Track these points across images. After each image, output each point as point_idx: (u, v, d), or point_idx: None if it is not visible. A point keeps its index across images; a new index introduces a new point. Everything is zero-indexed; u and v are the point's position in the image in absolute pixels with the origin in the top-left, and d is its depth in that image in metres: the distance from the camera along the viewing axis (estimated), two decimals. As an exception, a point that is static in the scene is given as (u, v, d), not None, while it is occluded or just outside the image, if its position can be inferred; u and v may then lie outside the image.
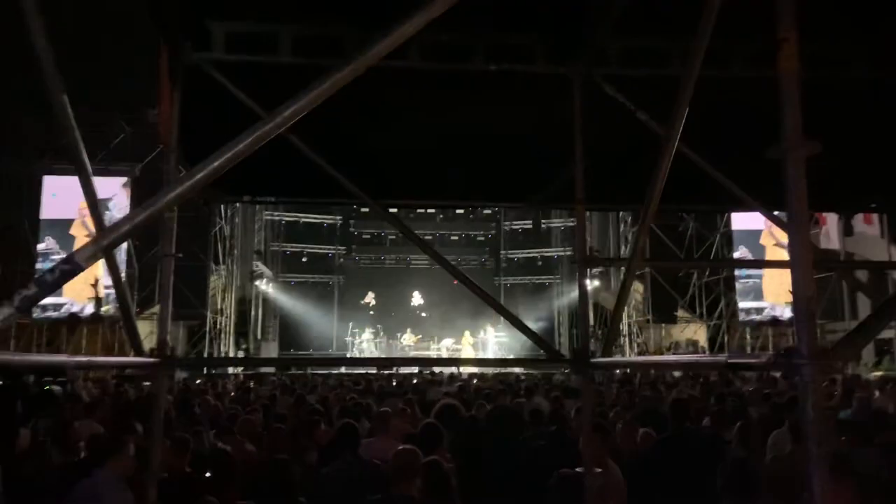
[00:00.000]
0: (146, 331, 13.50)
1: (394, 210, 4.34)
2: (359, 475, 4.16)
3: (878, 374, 15.44)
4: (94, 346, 20.29)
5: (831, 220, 19.25)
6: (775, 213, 3.72)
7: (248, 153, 1.41)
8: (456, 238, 29.68)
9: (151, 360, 2.52)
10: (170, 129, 2.88)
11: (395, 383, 13.45)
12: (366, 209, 26.81)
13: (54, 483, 4.07)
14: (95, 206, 2.13)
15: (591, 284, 21.85)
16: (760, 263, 21.00)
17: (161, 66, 2.87)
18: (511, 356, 24.91)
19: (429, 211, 27.89)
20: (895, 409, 7.32)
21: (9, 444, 3.26)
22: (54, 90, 1.91)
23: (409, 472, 3.37)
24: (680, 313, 23.19)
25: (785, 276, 21.09)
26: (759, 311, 21.83)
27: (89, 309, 19.73)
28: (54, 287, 1.32)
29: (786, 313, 20.74)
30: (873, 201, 5.15)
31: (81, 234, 20.07)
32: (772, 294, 21.48)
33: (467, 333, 25.86)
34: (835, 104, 3.28)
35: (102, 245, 1.34)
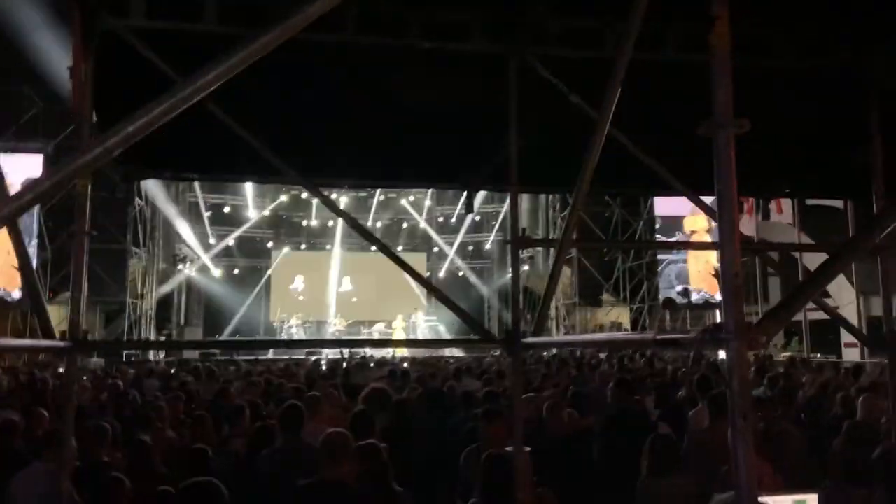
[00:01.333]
0: (62, 315, 12.84)
1: (324, 191, 4.25)
2: (300, 458, 4.09)
3: (787, 354, 16.33)
4: (2, 332, 19.19)
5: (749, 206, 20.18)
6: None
7: (165, 119, 1.32)
8: (388, 223, 29.47)
9: (62, 343, 2.37)
10: (83, 98, 2.70)
11: (324, 368, 13.28)
12: (295, 191, 26.29)
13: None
14: (-1, 176, 1.97)
15: (522, 268, 22.25)
16: (686, 245, 21.83)
17: (74, 31, 2.68)
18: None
19: (360, 194, 27.58)
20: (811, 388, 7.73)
21: None
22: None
23: (340, 456, 3.31)
24: (605, 297, 23.92)
25: (703, 263, 22.05)
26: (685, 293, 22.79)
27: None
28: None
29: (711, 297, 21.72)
30: (786, 187, 5.38)
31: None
32: (698, 280, 22.51)
33: (400, 318, 25.83)
34: (753, 90, 3.39)
35: (3, 214, 1.22)
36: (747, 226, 20.03)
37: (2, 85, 18.33)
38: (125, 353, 18.41)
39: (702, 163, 2.35)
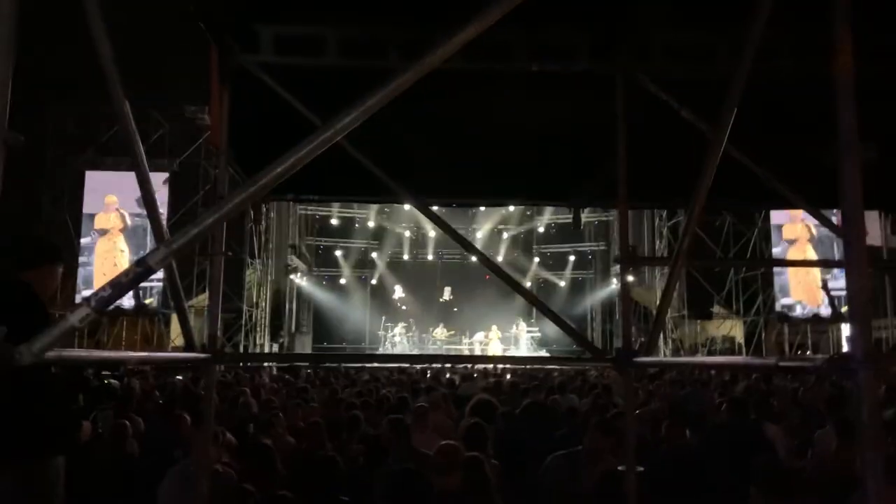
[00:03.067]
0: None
1: (434, 207, 4.40)
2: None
3: (922, 372, 15.08)
4: (133, 339, 20.74)
5: (872, 218, 18.78)
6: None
7: (310, 158, 1.45)
8: (490, 233, 29.61)
9: (204, 355, 2.61)
10: (221, 131, 2.96)
11: (427, 375, 13.57)
12: (398, 205, 26.93)
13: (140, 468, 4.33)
14: (153, 203, 2.21)
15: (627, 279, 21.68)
16: (809, 263, 20.50)
17: (212, 67, 2.94)
18: (543, 350, 24.86)
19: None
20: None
21: (73, 435, 3.40)
22: (113, 87, 1.98)
23: (451, 467, 3.41)
24: (716, 309, 22.88)
25: (803, 273, 20.90)
26: (791, 307, 21.59)
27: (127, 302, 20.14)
28: (129, 288, 1.38)
29: (821, 311, 20.43)
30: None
31: (115, 226, 20.84)
32: (799, 291, 21.29)
33: (495, 328, 25.77)
34: (881, 100, 3.21)
35: (173, 248, 1.40)
36: (874, 234, 18.70)
37: (133, 108, 20.00)
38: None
39: (821, 175, 2.27)
